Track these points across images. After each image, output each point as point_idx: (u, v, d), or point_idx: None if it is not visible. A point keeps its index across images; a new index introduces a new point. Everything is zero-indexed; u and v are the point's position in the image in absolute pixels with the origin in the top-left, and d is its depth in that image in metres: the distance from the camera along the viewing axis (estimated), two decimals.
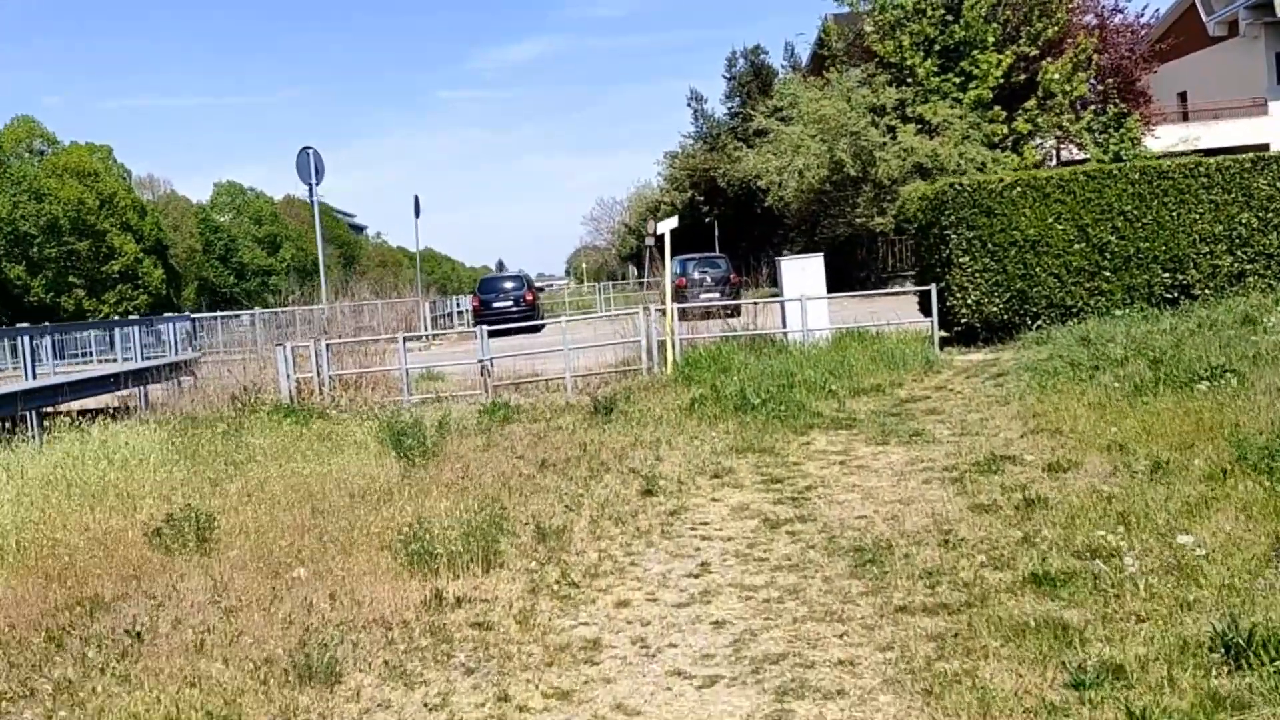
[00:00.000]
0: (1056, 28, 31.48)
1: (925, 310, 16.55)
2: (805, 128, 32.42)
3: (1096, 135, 31.70)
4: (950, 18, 31.69)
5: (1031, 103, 31.35)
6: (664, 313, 15.51)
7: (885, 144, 31.02)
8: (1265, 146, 32.32)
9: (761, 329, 16.35)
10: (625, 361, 16.03)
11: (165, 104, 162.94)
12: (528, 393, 15.58)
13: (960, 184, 15.51)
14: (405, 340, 16.64)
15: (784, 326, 16.15)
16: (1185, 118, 39.03)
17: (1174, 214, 15.25)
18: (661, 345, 15.32)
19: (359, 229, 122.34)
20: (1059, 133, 31.85)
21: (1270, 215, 15.20)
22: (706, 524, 7.63)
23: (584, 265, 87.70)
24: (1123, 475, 7.54)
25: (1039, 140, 32.00)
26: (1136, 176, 15.29)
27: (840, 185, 32.83)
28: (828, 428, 10.83)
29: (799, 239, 37.88)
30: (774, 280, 20.66)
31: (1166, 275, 15.29)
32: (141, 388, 16.98)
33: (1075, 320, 15.26)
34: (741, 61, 46.52)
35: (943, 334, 15.80)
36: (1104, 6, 33.33)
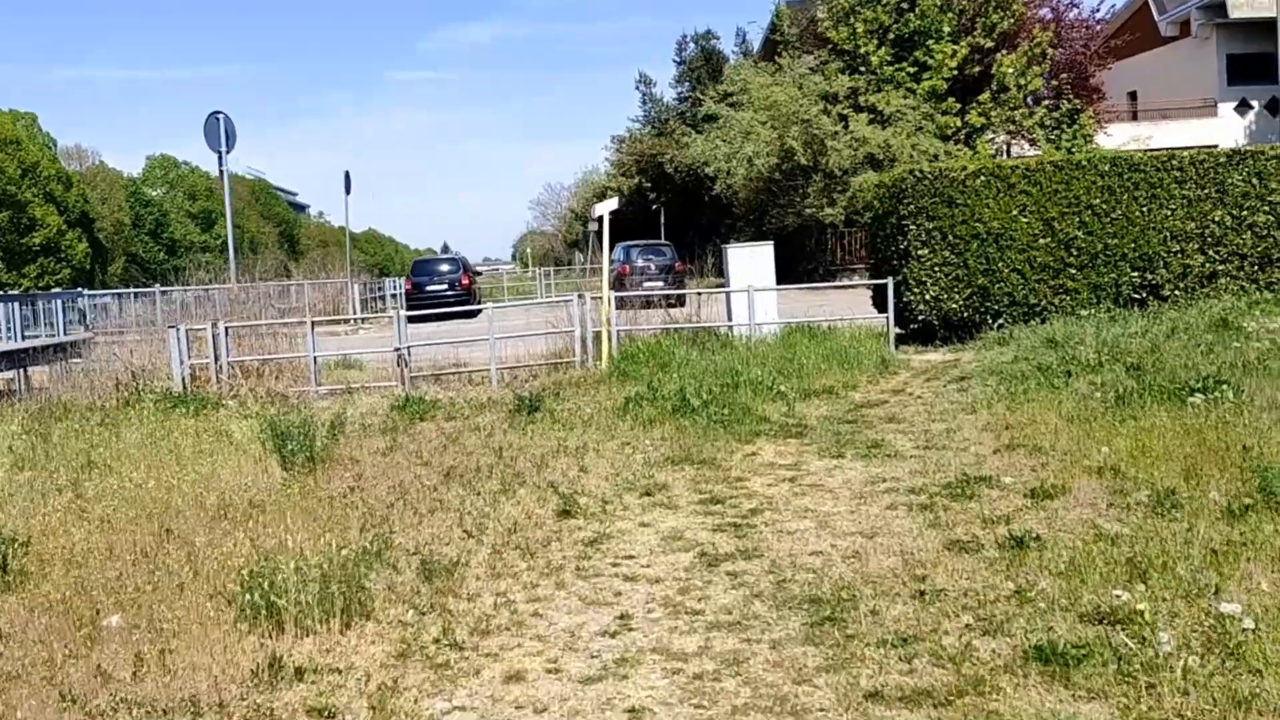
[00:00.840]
0: (1012, 20, 30.55)
1: (880, 305, 15.36)
2: (756, 114, 31.21)
3: (1049, 131, 30.87)
4: (905, 5, 30.60)
5: (985, 96, 30.40)
6: (601, 301, 14.14)
7: (837, 133, 29.91)
8: (1214, 147, 31.73)
9: (706, 322, 15.04)
10: (558, 353, 14.64)
11: (103, 75, 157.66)
12: (449, 385, 14.12)
13: (921, 171, 14.31)
14: (318, 324, 15.10)
15: (730, 320, 14.86)
16: (1135, 116, 38.44)
17: (1144, 209, 14.20)
18: (597, 337, 13.96)
19: (301, 208, 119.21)
20: (1012, 127, 30.95)
21: (1244, 213, 14.21)
22: (632, 558, 6.28)
23: (529, 250, 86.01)
24: (1122, 507, 6.34)
25: (991, 135, 31.08)
26: (1106, 168, 14.21)
27: (790, 174, 31.67)
28: (776, 435, 9.54)
29: (747, 228, 36.69)
30: (720, 270, 19.39)
31: (1135, 274, 14.24)
32: (19, 370, 15.24)
33: (1039, 320, 14.17)
34: (692, 46, 45.15)
35: (898, 331, 14.62)
36: (1059, 1, 32.45)
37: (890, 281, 14.26)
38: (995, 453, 8.17)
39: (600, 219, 15.31)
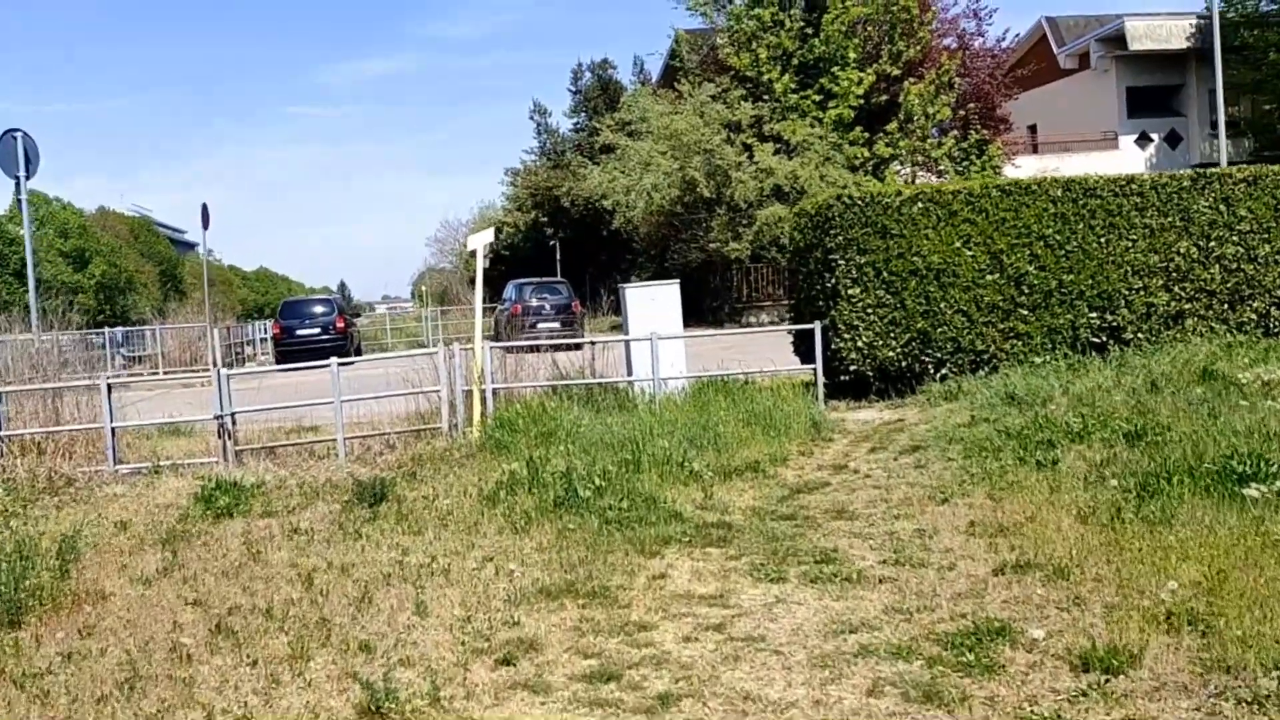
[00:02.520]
0: (918, 47, 29.04)
1: (804, 354, 13.03)
2: (656, 144, 29.01)
3: (958, 163, 29.37)
4: (810, 31, 28.86)
5: (893, 125, 28.77)
6: (473, 353, 11.50)
7: (741, 164, 27.90)
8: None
9: (602, 375, 12.50)
10: (424, 416, 11.90)
11: None
12: (285, 460, 11.25)
13: (849, 197, 12.07)
14: (174, 375, 12.10)
15: (630, 373, 12.36)
16: (1035, 149, 37.47)
17: (1102, 240, 12.19)
18: (468, 397, 11.30)
19: (189, 245, 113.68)
20: (920, 158, 29.35)
21: (1211, 244, 12.31)
22: None
23: (424, 289, 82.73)
24: (1244, 700, 3.98)
25: (899, 166, 29.43)
26: (1059, 193, 12.17)
27: (693, 207, 29.53)
28: (691, 542, 7.00)
29: (649, 265, 34.45)
30: (620, 310, 16.95)
31: (1094, 315, 12.19)
32: None
33: (988, 369, 12.01)
34: (588, 75, 42.86)
35: (825, 381, 12.28)
36: (965, 30, 31.14)
37: (818, 326, 11.94)
38: (997, 575, 5.77)
39: (475, 253, 12.73)
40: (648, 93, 32.42)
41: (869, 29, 29.31)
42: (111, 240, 78.56)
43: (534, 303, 25.68)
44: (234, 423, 11.10)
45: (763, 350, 15.00)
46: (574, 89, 43.65)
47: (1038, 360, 11.92)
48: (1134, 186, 12.25)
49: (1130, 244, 12.21)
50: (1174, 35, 35.34)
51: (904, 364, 12.07)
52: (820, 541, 6.81)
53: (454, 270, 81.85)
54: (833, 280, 12.07)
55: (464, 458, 10.19)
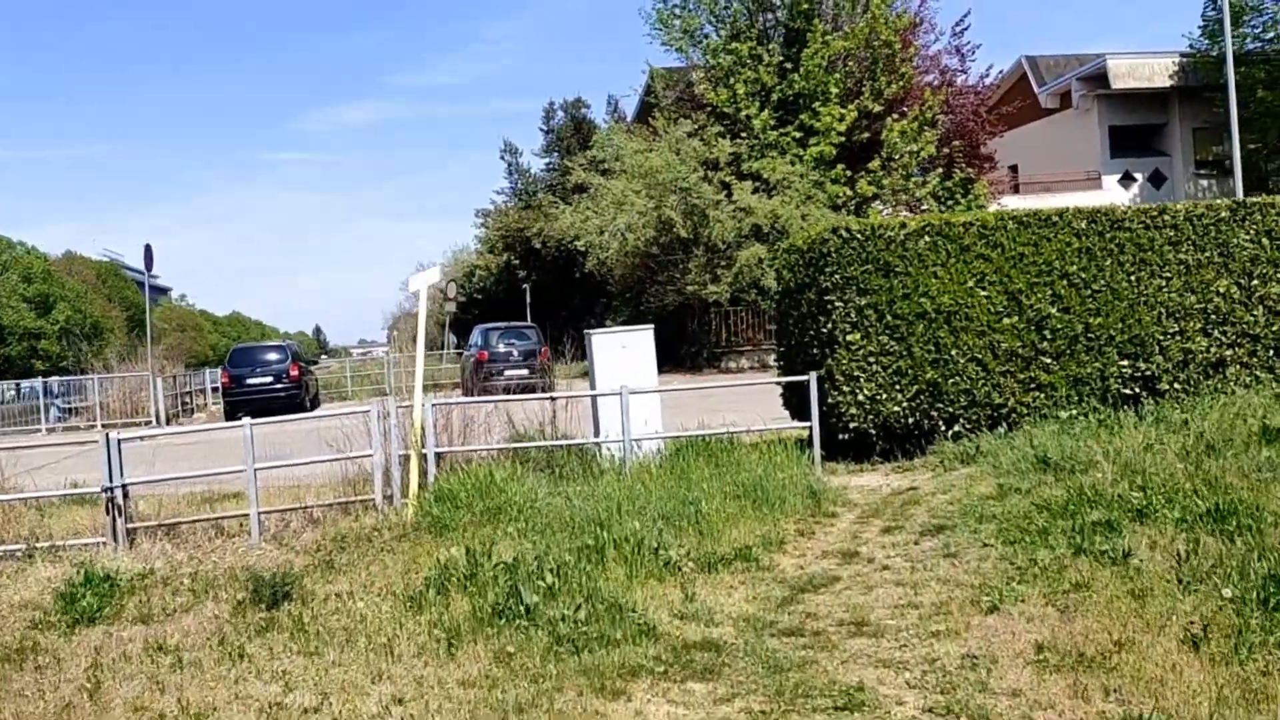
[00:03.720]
0: (901, 83, 27.78)
1: (796, 409, 11.37)
2: (630, 182, 27.49)
3: (943, 203, 28.01)
4: (789, 66, 27.56)
5: (875, 163, 27.42)
6: (415, 412, 9.73)
7: (719, 202, 26.41)
8: None
9: (566, 436, 10.76)
10: (356, 484, 10.09)
11: None
12: (186, 540, 9.40)
13: (848, 230, 10.46)
14: (112, 427, 10.21)
15: (597, 433, 10.62)
16: (1017, 189, 36.26)
17: (1133, 278, 10.62)
18: (405, 463, 9.53)
19: (161, 290, 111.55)
20: (904, 196, 27.98)
21: (1254, 282, 10.77)
22: None
23: (395, 333, 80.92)
24: None
25: (882, 205, 28.04)
26: (1084, 225, 10.62)
27: (669, 248, 27.98)
28: (667, 673, 5.24)
29: (624, 308, 32.81)
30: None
31: (1125, 363, 10.59)
32: None
33: (1006, 425, 10.37)
34: (560, 115, 41.46)
35: (822, 440, 10.57)
36: (947, 66, 29.94)
37: (813, 378, 10.26)
38: None
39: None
40: (621, 130, 30.98)
41: (850, 64, 28.07)
42: (77, 285, 76.33)
43: (501, 349, 23.93)
44: (125, 495, 9.25)
45: (747, 402, 13.33)
46: (546, 128, 42.20)
47: (1063, 415, 10.29)
48: (1167, 218, 10.71)
49: (1164, 282, 10.65)
50: (1156, 74, 34.34)
51: (911, 420, 10.40)
52: (839, 673, 5.06)
53: (450, 315, 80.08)
54: (829, 325, 10.43)
55: (394, 539, 8.40)
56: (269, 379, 23.48)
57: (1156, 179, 35.62)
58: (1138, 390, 10.60)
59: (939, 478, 9.45)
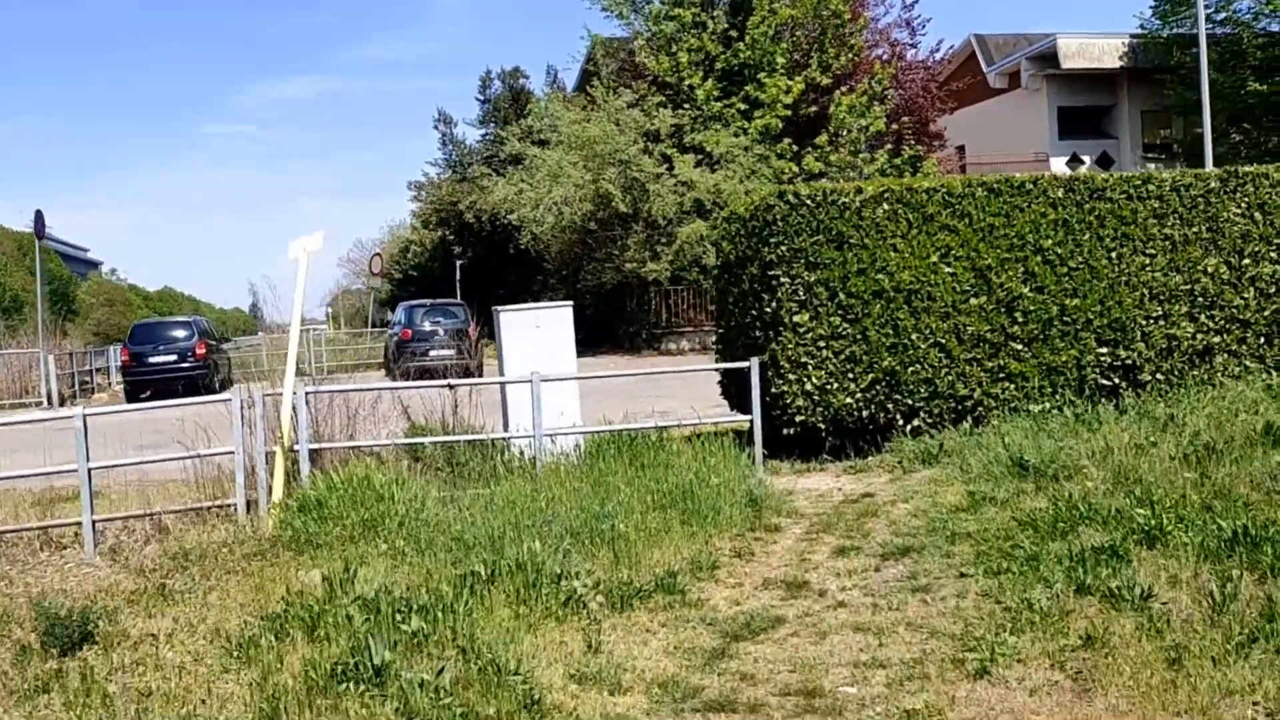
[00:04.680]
0: (850, 54, 26.45)
1: (735, 399, 9.98)
2: (567, 154, 25.86)
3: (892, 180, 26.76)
4: (734, 34, 26.06)
5: (823, 138, 26.07)
6: (282, 399, 8.13)
7: (660, 176, 24.89)
8: None
9: (471, 431, 9.21)
10: (220, 487, 8.45)
11: None
12: (11, 552, 7.73)
13: (796, 195, 9.05)
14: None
15: (505, 427, 9.11)
16: (964, 170, 35.23)
17: (1113, 255, 9.36)
18: (272, 460, 7.94)
19: (90, 264, 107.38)
20: (851, 174, 26.66)
21: (1245, 261, 9.57)
22: None
23: (328, 310, 78.44)
24: None
25: (828, 182, 26.69)
26: (1060, 194, 9.32)
27: (607, 224, 26.42)
28: None
29: (561, 286, 31.19)
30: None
31: (1104, 350, 9.33)
32: None
33: (972, 419, 9.06)
34: (498, 84, 39.58)
35: (765, 435, 9.16)
36: (897, 39, 28.69)
37: (754, 364, 8.85)
38: None
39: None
40: (559, 99, 29.28)
41: (798, 34, 26.66)
42: None
43: (426, 327, 22.26)
44: None
45: (685, 388, 11.93)
46: (482, 98, 40.25)
47: (1034, 409, 9.01)
48: (1151, 188, 9.45)
49: (1147, 260, 9.40)
50: (1106, 54, 33.46)
51: (866, 413, 9.04)
52: None
53: (366, 291, 77.66)
54: (774, 304, 9.01)
55: (247, 558, 6.84)
56: (173, 357, 21.56)
57: (1104, 161, 34.79)
58: (1117, 381, 9.35)
59: (898, 481, 8.11)
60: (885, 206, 9.03)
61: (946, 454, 8.42)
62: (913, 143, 27.49)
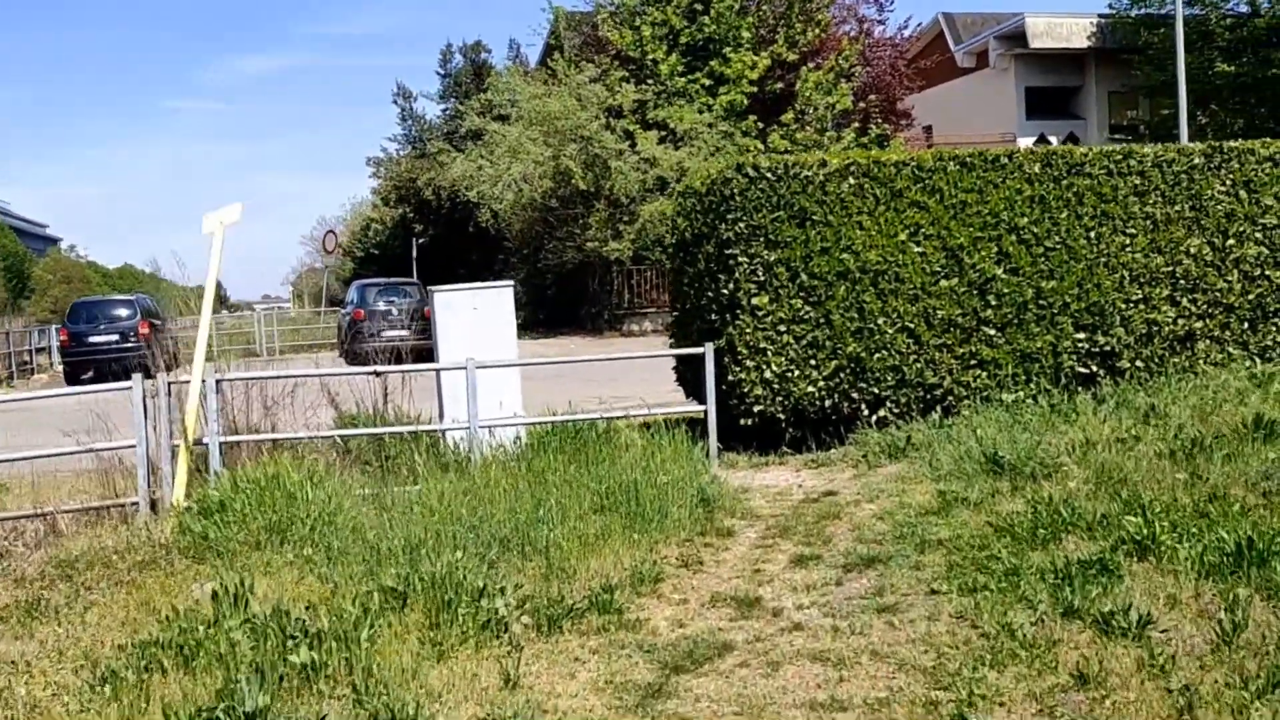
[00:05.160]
0: (817, 30, 25.75)
1: (690, 386, 9.31)
2: (527, 129, 25.00)
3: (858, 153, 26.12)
4: (699, 7, 25.26)
5: (789, 115, 25.39)
6: (191, 387, 7.35)
7: (622, 153, 24.10)
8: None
9: (405, 416, 8.47)
10: (122, 482, 7.66)
11: None
12: None
13: (756, 168, 8.34)
14: None
15: (440, 418, 8.37)
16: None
17: (1092, 235, 8.75)
18: (177, 453, 7.16)
19: (50, 240, 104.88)
20: (819, 152, 25.99)
21: (1230, 242, 8.99)
22: None
23: (293, 288, 77.08)
24: None
25: None
26: (1037, 169, 8.68)
27: (569, 201, 25.62)
28: None
29: (522, 265, 30.38)
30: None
31: (1081, 336, 8.73)
32: None
33: (941, 409, 8.43)
34: (458, 58, 38.48)
35: (721, 425, 8.48)
36: (865, 16, 28.03)
37: (709, 350, 8.16)
38: None
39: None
40: (519, 73, 28.36)
41: (764, 9, 25.94)
42: None
43: (380, 307, 21.39)
44: None
45: (641, 371, 11.25)
46: (443, 72, 39.08)
47: (1007, 398, 8.40)
48: (1133, 163, 8.83)
49: (1128, 240, 8.80)
50: (1075, 34, 32.98)
51: (829, 403, 8.39)
52: None
53: (329, 269, 76.27)
54: (730, 285, 8.31)
55: (138, 567, 6.07)
56: (114, 337, 20.57)
57: (1071, 142, 34.36)
58: (1095, 368, 8.77)
59: (863, 478, 7.46)
60: (851, 181, 8.35)
61: (915, 448, 7.79)
62: (880, 121, 26.89)
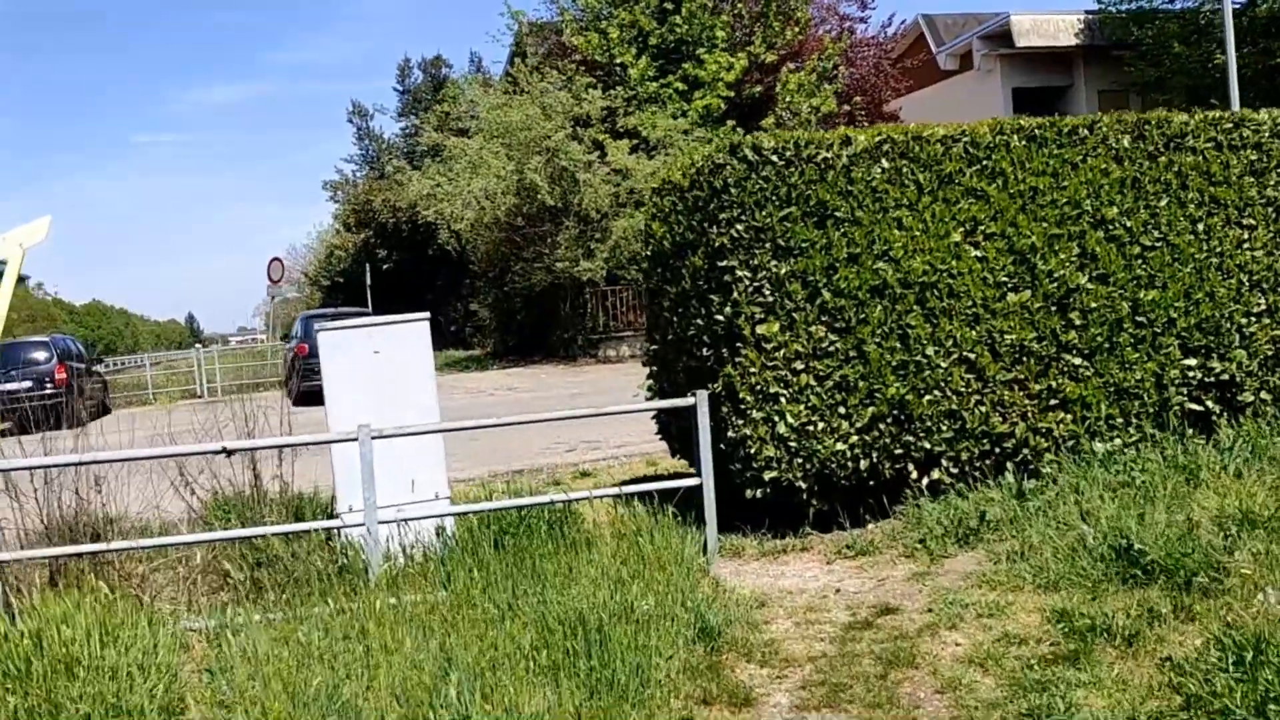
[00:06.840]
0: (797, 29, 23.67)
1: (673, 439, 7.02)
2: (487, 142, 22.73)
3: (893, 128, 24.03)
4: (669, 6, 23.11)
5: (770, 120, 23.22)
6: None
7: (592, 164, 21.84)
8: None
9: (288, 503, 6.11)
10: None
11: None
12: None
13: (758, 149, 6.10)
14: None
15: (333, 506, 6.01)
16: None
17: (1199, 227, 6.53)
18: None
19: (19, 278, 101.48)
20: (842, 128, 23.86)
21: None
22: None
23: (262, 320, 74.27)
24: None
25: None
26: (1127, 142, 6.46)
27: (536, 219, 23.31)
28: None
29: (489, 289, 28.06)
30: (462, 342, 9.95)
31: (1192, 362, 6.50)
32: None
33: (1015, 465, 6.15)
34: (418, 74, 36.20)
35: (719, 494, 6.15)
36: (847, 15, 26.00)
37: (702, 399, 5.85)
38: None
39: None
40: (479, 82, 26.11)
41: (739, 6, 23.84)
42: None
43: None
44: None
45: (611, 426, 8.98)
46: (401, 88, 36.78)
47: (1099, 448, 6.16)
48: (1246, 133, 6.64)
49: (1245, 233, 6.59)
50: (1062, 31, 31.10)
51: (865, 464, 6.09)
52: None
53: (300, 299, 73.70)
54: (728, 309, 6.02)
55: None
56: (27, 384, 18.02)
57: None
58: (1209, 404, 6.53)
59: (927, 579, 5.17)
60: (884, 164, 6.10)
61: (991, 527, 5.52)
62: (866, 125, 24.76)
